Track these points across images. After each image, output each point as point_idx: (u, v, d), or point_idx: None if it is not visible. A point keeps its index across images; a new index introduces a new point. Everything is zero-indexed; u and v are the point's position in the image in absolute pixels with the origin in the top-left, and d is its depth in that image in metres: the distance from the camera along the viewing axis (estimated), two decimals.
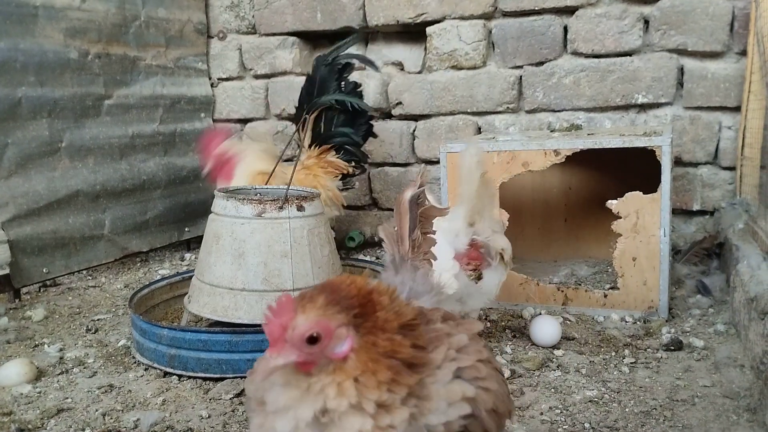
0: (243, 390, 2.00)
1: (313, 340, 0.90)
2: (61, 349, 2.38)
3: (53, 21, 3.05)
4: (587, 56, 3.31)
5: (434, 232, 1.55)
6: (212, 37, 4.14)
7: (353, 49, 3.40)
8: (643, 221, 2.50)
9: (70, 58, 3.14)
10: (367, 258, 3.61)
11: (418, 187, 1.51)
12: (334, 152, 3.32)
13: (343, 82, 3.29)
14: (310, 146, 3.32)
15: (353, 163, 3.33)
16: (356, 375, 0.91)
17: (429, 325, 1.08)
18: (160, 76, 3.73)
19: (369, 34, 3.86)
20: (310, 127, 3.32)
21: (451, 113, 3.62)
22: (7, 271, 2.83)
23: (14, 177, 2.89)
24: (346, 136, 3.35)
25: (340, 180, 3.33)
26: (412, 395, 0.94)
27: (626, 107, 3.29)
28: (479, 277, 2.09)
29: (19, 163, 2.91)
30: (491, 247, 2.13)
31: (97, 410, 1.90)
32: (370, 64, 3.40)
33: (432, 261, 1.52)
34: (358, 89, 3.32)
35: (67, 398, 1.99)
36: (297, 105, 3.41)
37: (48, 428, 1.80)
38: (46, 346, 2.42)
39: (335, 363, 0.92)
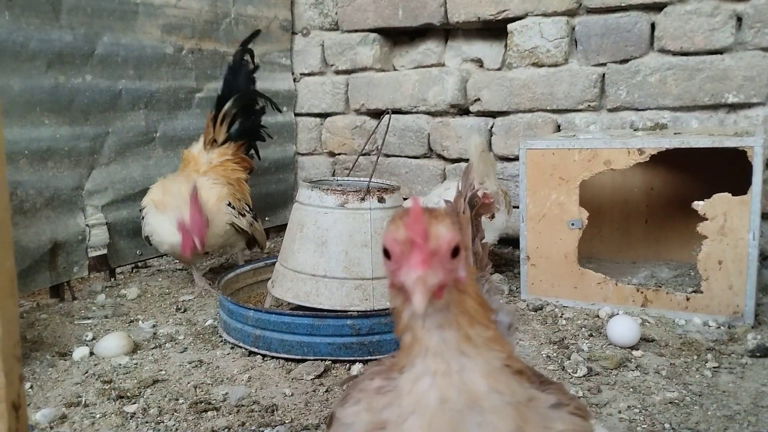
0: (324, 372, 2.08)
1: (455, 252, 0.75)
2: (154, 326, 2.54)
3: (152, 18, 3.24)
4: (675, 54, 3.22)
5: (483, 237, 1.33)
6: (296, 34, 4.27)
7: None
8: (731, 224, 2.43)
9: (166, 53, 3.32)
10: None
11: (470, 187, 1.31)
12: (244, 149, 3.27)
13: (253, 78, 3.34)
14: (223, 143, 3.20)
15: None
16: (474, 310, 0.79)
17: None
18: None
19: (449, 31, 3.89)
20: (227, 122, 3.21)
21: (530, 110, 3.60)
22: (105, 251, 3.04)
23: (113, 164, 3.09)
24: (261, 132, 3.38)
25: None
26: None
27: (715, 107, 3.18)
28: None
29: (118, 151, 3.10)
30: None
31: (188, 383, 2.02)
32: (252, 55, 3.39)
33: (490, 273, 1.31)
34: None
35: (161, 370, 2.12)
36: (219, 94, 3.24)
37: (144, 396, 1.93)
38: (140, 322, 2.58)
39: (454, 293, 0.77)
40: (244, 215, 3.01)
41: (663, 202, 3.28)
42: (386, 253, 0.76)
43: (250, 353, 2.26)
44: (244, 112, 3.27)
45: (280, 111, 3.64)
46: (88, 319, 2.63)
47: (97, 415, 1.81)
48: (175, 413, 1.82)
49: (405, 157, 4.02)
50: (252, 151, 3.43)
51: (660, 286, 2.80)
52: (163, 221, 2.75)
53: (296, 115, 4.34)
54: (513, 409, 0.77)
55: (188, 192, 2.70)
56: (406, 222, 0.73)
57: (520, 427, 0.77)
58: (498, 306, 1.21)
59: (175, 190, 2.78)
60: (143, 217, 2.87)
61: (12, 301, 0.82)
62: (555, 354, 2.23)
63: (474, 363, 0.77)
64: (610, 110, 3.41)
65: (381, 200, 2.36)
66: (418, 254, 0.72)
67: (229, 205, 2.93)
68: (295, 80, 4.30)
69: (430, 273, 0.71)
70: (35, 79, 2.68)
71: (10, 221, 0.84)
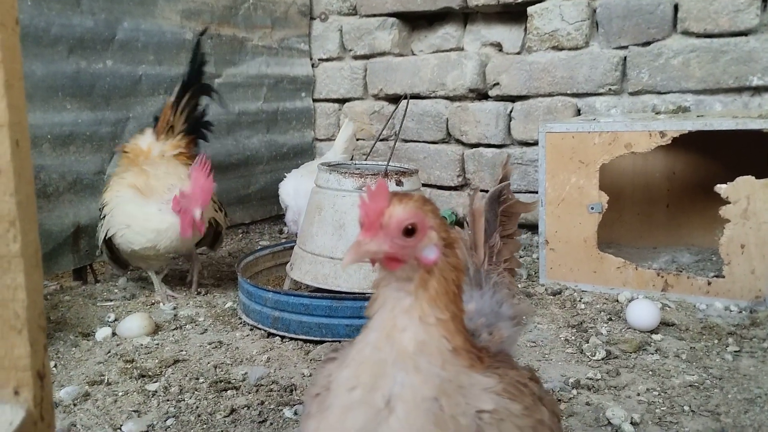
0: None
1: (409, 231, 0.85)
2: (174, 308, 2.57)
3: (171, 3, 3.25)
4: (698, 36, 3.17)
5: (518, 234, 1.37)
6: (314, 19, 4.27)
7: None
8: (754, 207, 2.40)
9: (185, 38, 3.34)
10: None
11: (501, 181, 1.33)
12: (192, 146, 2.93)
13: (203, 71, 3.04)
14: (178, 134, 2.87)
15: None
16: (436, 292, 0.87)
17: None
18: (265, 56, 3.89)
19: (468, 15, 3.86)
20: (187, 112, 2.88)
21: (550, 95, 3.57)
22: None
23: None
24: (211, 128, 3.04)
25: None
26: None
27: (739, 90, 3.13)
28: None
29: None
30: None
31: (209, 362, 2.05)
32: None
33: (516, 269, 1.35)
34: None
35: (181, 351, 2.15)
36: (185, 80, 2.91)
37: (166, 375, 1.96)
38: (161, 304, 2.61)
39: (420, 271, 0.87)
40: (221, 210, 2.82)
41: (685, 186, 3.24)
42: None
43: (269, 335, 2.28)
44: (197, 104, 2.98)
45: (224, 107, 3.38)
46: (110, 301, 2.67)
47: (120, 393, 1.84)
48: (196, 392, 1.85)
49: (423, 142, 4.01)
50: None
51: (681, 271, 2.77)
52: (148, 206, 2.48)
53: (314, 100, 4.34)
54: (437, 379, 0.83)
55: (177, 176, 2.53)
56: (363, 199, 0.86)
57: (438, 397, 0.83)
58: (500, 299, 1.23)
59: (161, 174, 2.55)
60: (104, 213, 2.56)
61: (37, 272, 0.83)
62: (573, 337, 2.22)
63: (415, 328, 0.85)
64: (631, 94, 3.36)
65: (399, 183, 2.36)
66: (364, 226, 0.85)
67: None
68: (313, 66, 4.31)
69: (370, 241, 0.84)
70: (57, 64, 2.71)
71: (34, 195, 0.86)
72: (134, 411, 1.74)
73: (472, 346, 0.91)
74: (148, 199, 2.49)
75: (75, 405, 1.77)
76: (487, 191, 1.35)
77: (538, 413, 0.94)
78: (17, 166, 0.81)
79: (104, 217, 2.57)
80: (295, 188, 3.17)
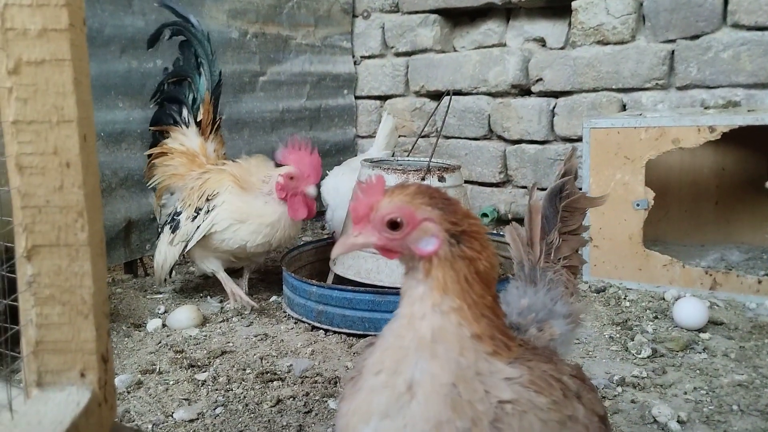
0: None
1: (394, 225, 0.87)
2: (221, 301, 2.64)
3: (218, 3, 3.32)
4: (749, 29, 3.08)
5: (583, 230, 1.33)
6: (357, 17, 4.30)
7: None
8: None
9: (231, 37, 3.40)
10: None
11: (563, 176, 1.30)
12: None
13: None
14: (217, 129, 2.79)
15: None
16: (444, 281, 0.87)
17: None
18: (309, 54, 3.94)
19: (510, 11, 3.83)
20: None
21: (594, 90, 3.52)
22: None
23: None
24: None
25: None
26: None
27: None
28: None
29: None
30: None
31: (255, 354, 2.10)
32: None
33: (579, 267, 1.32)
34: None
35: (228, 342, 2.21)
36: (219, 74, 2.75)
37: (214, 366, 2.01)
38: (208, 297, 2.68)
39: (423, 261, 0.88)
40: None
41: (735, 182, 3.16)
42: None
43: (313, 328, 2.32)
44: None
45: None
46: (160, 293, 2.75)
47: (171, 382, 1.90)
48: (243, 382, 1.89)
49: (465, 138, 4.01)
50: None
51: (730, 269, 2.71)
52: (254, 200, 2.44)
53: (356, 97, 4.37)
54: (455, 366, 0.85)
55: (265, 168, 2.49)
56: (357, 194, 0.90)
57: (456, 383, 0.84)
58: (555, 296, 1.22)
59: (253, 168, 2.50)
60: (213, 205, 2.43)
61: (102, 260, 0.88)
62: (618, 335, 2.20)
63: (431, 316, 0.86)
64: (679, 88, 3.30)
65: (441, 179, 2.37)
66: (354, 219, 0.90)
67: None
68: (355, 63, 4.34)
69: (358, 235, 0.88)
70: (110, 64, 2.80)
71: (99, 188, 0.90)
72: (185, 399, 1.79)
73: (499, 333, 0.90)
74: (248, 193, 2.45)
75: (129, 392, 1.84)
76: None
77: (569, 409, 0.92)
78: (85, 159, 0.86)
79: (210, 210, 2.45)
80: (335, 187, 3.20)
